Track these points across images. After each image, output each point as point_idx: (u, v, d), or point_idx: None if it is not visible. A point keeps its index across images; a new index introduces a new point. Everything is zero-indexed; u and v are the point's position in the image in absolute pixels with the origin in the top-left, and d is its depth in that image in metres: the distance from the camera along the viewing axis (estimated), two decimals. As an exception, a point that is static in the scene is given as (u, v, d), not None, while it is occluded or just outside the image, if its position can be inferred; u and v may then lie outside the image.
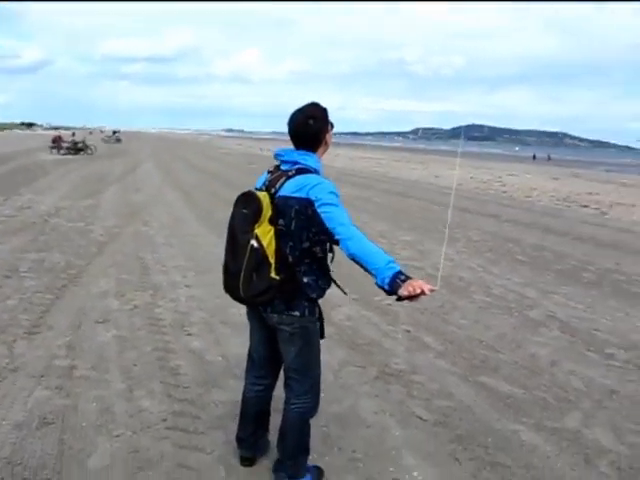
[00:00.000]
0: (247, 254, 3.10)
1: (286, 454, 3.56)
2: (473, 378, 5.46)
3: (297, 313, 3.27)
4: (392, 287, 2.87)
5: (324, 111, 3.36)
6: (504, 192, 26.97)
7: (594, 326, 7.28)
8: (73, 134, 57.44)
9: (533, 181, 35.63)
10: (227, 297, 7.07)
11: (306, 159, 3.29)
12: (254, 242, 3.10)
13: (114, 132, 75.99)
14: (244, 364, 5.42)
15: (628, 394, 5.30)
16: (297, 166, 3.27)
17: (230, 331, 6.41)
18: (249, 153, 60.52)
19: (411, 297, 2.84)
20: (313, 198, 3.11)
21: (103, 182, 22.67)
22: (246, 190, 3.29)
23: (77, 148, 42.05)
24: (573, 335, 6.89)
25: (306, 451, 3.61)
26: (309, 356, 3.43)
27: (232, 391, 4.89)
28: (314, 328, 3.39)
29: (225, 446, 4.06)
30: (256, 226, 3.12)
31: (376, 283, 2.95)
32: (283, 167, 3.33)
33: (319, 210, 3.08)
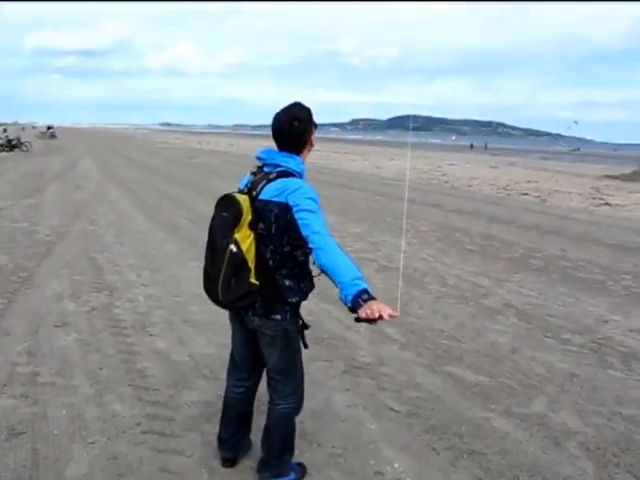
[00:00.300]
0: (226, 259, 3.07)
1: (272, 454, 3.56)
2: (439, 368, 5.56)
3: (278, 317, 3.25)
4: (354, 305, 2.77)
5: (309, 111, 3.32)
6: (446, 182, 27.40)
7: (548, 312, 7.49)
8: (4, 130, 55.83)
9: (473, 170, 36.29)
10: (186, 295, 7.08)
11: (288, 161, 3.25)
12: (233, 247, 3.07)
13: (48, 127, 73.74)
14: (212, 364, 5.45)
15: (587, 377, 5.48)
16: (279, 169, 3.24)
17: (193, 330, 6.36)
18: (188, 147, 59.96)
19: (369, 320, 2.75)
20: (292, 203, 3.08)
21: (43, 180, 22.08)
22: (227, 193, 3.25)
23: (11, 145, 40.87)
24: (529, 322, 7.07)
25: (291, 450, 3.62)
26: (291, 358, 3.43)
27: (203, 391, 4.88)
28: (295, 331, 3.39)
29: (204, 448, 4.03)
30: (235, 230, 3.09)
31: (340, 297, 2.86)
32: (266, 169, 3.30)
33: (296, 216, 3.05)
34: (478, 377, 5.37)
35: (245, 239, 3.10)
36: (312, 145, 3.39)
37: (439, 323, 6.90)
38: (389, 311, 2.73)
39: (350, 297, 2.78)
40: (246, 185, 3.33)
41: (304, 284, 3.29)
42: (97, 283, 8.18)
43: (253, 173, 3.35)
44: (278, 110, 3.31)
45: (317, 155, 48.76)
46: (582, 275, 9.68)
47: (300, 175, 3.27)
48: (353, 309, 2.78)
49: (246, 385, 3.67)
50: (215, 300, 3.22)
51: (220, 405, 3.85)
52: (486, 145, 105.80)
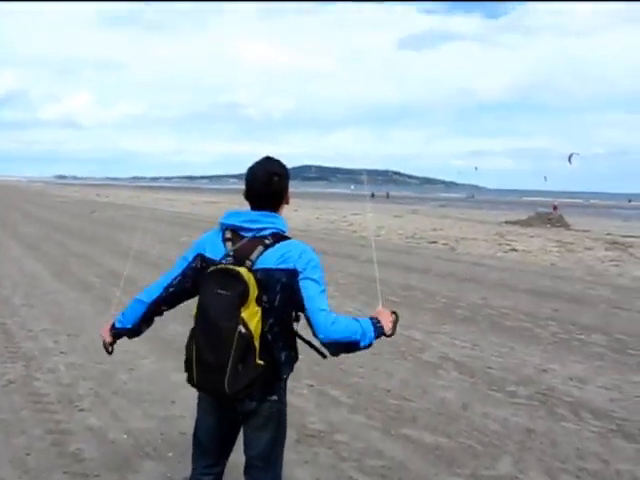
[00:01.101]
0: (234, 343, 2.67)
1: None
2: (395, 431, 5.33)
3: (275, 397, 2.93)
4: (379, 336, 2.88)
5: (285, 166, 3.08)
6: (354, 232, 27.58)
7: (487, 364, 7.43)
8: None
9: (378, 219, 36.77)
10: (112, 363, 6.43)
11: (275, 222, 2.94)
12: (242, 328, 2.68)
13: None
14: (154, 441, 5.01)
15: (543, 432, 5.39)
16: (270, 231, 2.90)
17: (126, 402, 5.88)
18: (88, 200, 58.35)
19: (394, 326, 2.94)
20: (299, 269, 2.82)
21: None
22: (221, 266, 2.82)
23: None
24: (471, 375, 6.97)
25: None
26: (280, 443, 3.09)
27: (150, 474, 4.44)
28: (285, 410, 3.08)
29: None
30: (242, 309, 2.70)
31: (363, 347, 2.84)
32: (247, 233, 2.91)
33: (300, 284, 2.80)
34: (437, 438, 5.17)
35: (253, 317, 2.72)
36: (288, 202, 3.12)
37: (383, 381, 6.70)
38: (388, 312, 2.97)
39: (373, 339, 2.86)
40: (228, 255, 2.88)
41: (294, 353, 3.00)
42: (10, 352, 7.53)
43: (229, 239, 2.92)
44: (252, 166, 3.04)
45: (217, 208, 48.38)
46: (509, 323, 9.76)
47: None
48: (383, 335, 2.91)
49: (215, 472, 3.24)
50: (216, 393, 2.83)
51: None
52: (388, 194, 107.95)
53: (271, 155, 3.09)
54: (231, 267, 2.77)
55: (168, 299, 3.05)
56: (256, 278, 2.76)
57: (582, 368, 7.41)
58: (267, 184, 2.96)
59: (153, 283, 3.08)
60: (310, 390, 6.33)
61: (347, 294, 11.85)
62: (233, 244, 2.90)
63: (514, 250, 20.78)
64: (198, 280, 2.89)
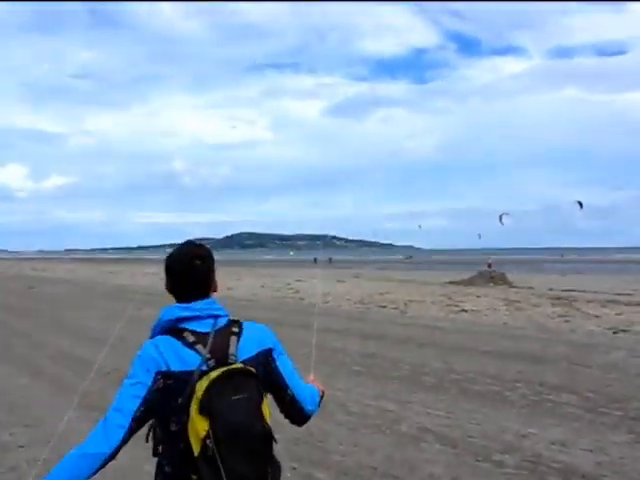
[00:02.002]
0: (269, 446, 2.42)
1: None
2: (392, 513, 5.12)
3: None
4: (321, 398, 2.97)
5: (209, 249, 2.83)
6: (301, 299, 27.37)
7: (466, 433, 7.30)
8: None
9: (322, 285, 36.66)
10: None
11: (220, 308, 2.68)
12: (266, 426, 2.42)
13: None
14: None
15: (541, 504, 5.26)
16: (226, 319, 2.66)
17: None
18: (24, 275, 56.86)
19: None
20: (272, 347, 2.69)
21: None
22: (226, 368, 2.42)
23: None
24: (454, 446, 6.82)
25: None
26: None
27: None
28: None
29: None
30: (263, 407, 2.46)
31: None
32: (204, 328, 2.56)
33: (277, 362, 2.67)
34: (436, 519, 4.98)
35: (266, 411, 2.47)
36: (216, 289, 2.81)
37: (367, 458, 6.48)
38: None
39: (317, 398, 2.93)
40: (207, 359, 2.45)
41: None
42: (-36, 450, 7.04)
43: (195, 342, 2.49)
44: (173, 253, 2.77)
45: (160, 279, 47.54)
46: (477, 388, 9.69)
47: None
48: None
49: None
50: None
51: None
52: (330, 259, 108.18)
53: (192, 240, 2.86)
54: (235, 367, 2.45)
55: (129, 437, 2.39)
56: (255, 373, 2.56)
57: (561, 431, 7.35)
58: (197, 270, 2.68)
59: (99, 427, 2.35)
60: (294, 473, 6.06)
61: (308, 365, 11.57)
62: (204, 345, 2.50)
63: (464, 311, 20.93)
64: (164, 400, 2.42)
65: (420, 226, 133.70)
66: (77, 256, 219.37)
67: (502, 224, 62.99)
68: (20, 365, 12.10)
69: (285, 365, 2.70)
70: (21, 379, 10.83)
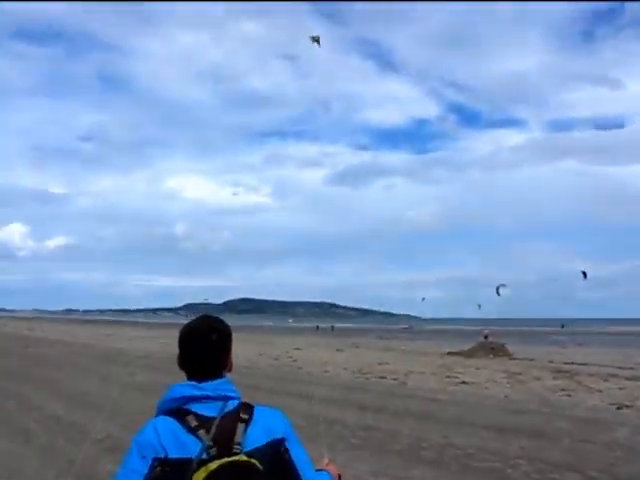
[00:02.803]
0: None
1: None
2: None
3: None
4: None
5: (227, 324, 2.63)
6: (299, 368, 27.04)
7: (468, 513, 7.08)
8: None
9: (321, 354, 36.32)
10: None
11: (233, 389, 2.46)
12: None
13: None
14: None
15: None
16: (237, 402, 2.44)
17: None
18: (20, 335, 56.37)
19: None
20: (285, 436, 2.42)
21: None
22: (228, 460, 2.21)
23: None
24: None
25: None
26: None
27: None
28: None
29: None
30: None
31: None
32: (210, 412, 2.35)
33: (291, 453, 2.40)
34: None
35: None
36: (231, 368, 2.59)
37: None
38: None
39: None
40: (209, 447, 2.24)
41: None
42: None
43: (198, 427, 2.29)
44: (189, 326, 2.56)
45: (160, 344, 47.23)
46: (477, 464, 9.46)
47: None
48: None
49: None
50: None
51: None
52: (332, 327, 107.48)
53: (209, 315, 2.66)
54: (238, 459, 2.23)
55: None
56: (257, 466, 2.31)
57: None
58: (214, 346, 2.49)
59: None
60: None
61: (308, 438, 11.31)
62: (207, 431, 2.28)
63: (464, 383, 20.65)
64: None
65: (424, 299, 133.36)
66: (75, 317, 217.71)
67: (499, 295, 63.10)
68: (10, 430, 11.84)
69: (299, 457, 2.43)
70: (9, 444, 10.58)
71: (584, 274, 53.71)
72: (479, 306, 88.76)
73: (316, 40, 9.14)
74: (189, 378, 2.46)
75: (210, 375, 2.43)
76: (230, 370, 2.55)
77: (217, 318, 2.61)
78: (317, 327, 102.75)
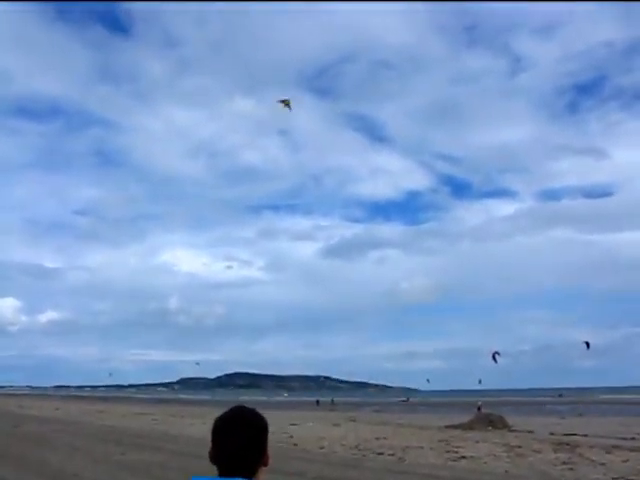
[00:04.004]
0: None
1: None
2: None
3: None
4: None
5: (264, 417, 2.47)
6: (295, 444, 26.44)
7: None
8: None
9: (317, 429, 35.64)
10: None
11: None
12: None
13: None
14: None
15: None
16: None
17: None
18: (9, 412, 55.13)
19: None
20: None
21: None
22: None
23: None
24: None
25: None
26: None
27: None
28: None
29: None
30: None
31: None
32: None
33: None
34: None
35: None
36: (267, 464, 2.41)
37: None
38: None
39: None
40: None
41: None
42: None
43: None
44: (223, 417, 2.41)
45: (152, 420, 46.38)
46: None
47: None
48: None
49: None
50: None
51: None
52: (332, 400, 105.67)
53: (245, 405, 2.52)
54: None
55: None
56: None
57: None
58: (245, 443, 2.31)
59: None
60: None
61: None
62: None
63: (463, 458, 20.20)
64: None
65: (429, 380, 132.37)
66: (67, 393, 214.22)
67: (496, 362, 63.02)
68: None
69: None
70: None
71: (587, 344, 53.63)
72: (480, 381, 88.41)
73: (287, 104, 9.33)
74: (220, 474, 2.31)
75: (242, 473, 2.27)
76: (266, 465, 2.39)
77: (252, 411, 2.45)
78: (317, 401, 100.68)
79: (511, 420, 38.43)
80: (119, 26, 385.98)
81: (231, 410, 2.42)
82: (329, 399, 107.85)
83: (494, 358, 63.37)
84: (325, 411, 68.96)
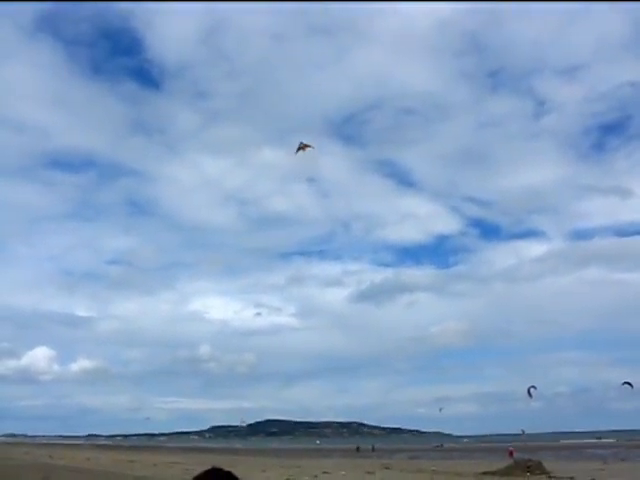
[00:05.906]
0: None
1: None
2: None
3: None
4: None
5: (237, 477, 2.44)
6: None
7: None
8: None
9: (351, 478, 34.86)
10: None
11: None
12: None
13: None
14: None
15: None
16: None
17: None
18: (40, 463, 54.77)
19: None
20: None
21: None
22: None
23: None
24: None
25: None
26: None
27: None
28: None
29: None
30: None
31: None
32: None
33: None
34: None
35: None
36: None
37: None
38: None
39: None
40: None
41: None
42: None
43: None
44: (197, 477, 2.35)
45: (183, 470, 45.82)
46: None
47: None
48: None
49: None
50: None
51: None
52: (373, 447, 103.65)
53: (221, 467, 2.47)
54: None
55: None
56: None
57: None
58: None
59: None
60: None
61: None
62: None
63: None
64: None
65: (441, 409, 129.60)
66: (98, 442, 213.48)
67: (531, 397, 61.93)
68: None
69: None
70: None
71: (630, 385, 52.39)
72: (523, 431, 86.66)
73: (301, 148, 9.31)
74: None
75: None
76: None
77: (228, 473, 2.41)
78: (357, 448, 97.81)
79: (550, 465, 37.16)
80: (151, 80, 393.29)
81: (205, 473, 2.38)
82: (369, 445, 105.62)
83: (529, 393, 62.33)
84: (361, 458, 67.72)
